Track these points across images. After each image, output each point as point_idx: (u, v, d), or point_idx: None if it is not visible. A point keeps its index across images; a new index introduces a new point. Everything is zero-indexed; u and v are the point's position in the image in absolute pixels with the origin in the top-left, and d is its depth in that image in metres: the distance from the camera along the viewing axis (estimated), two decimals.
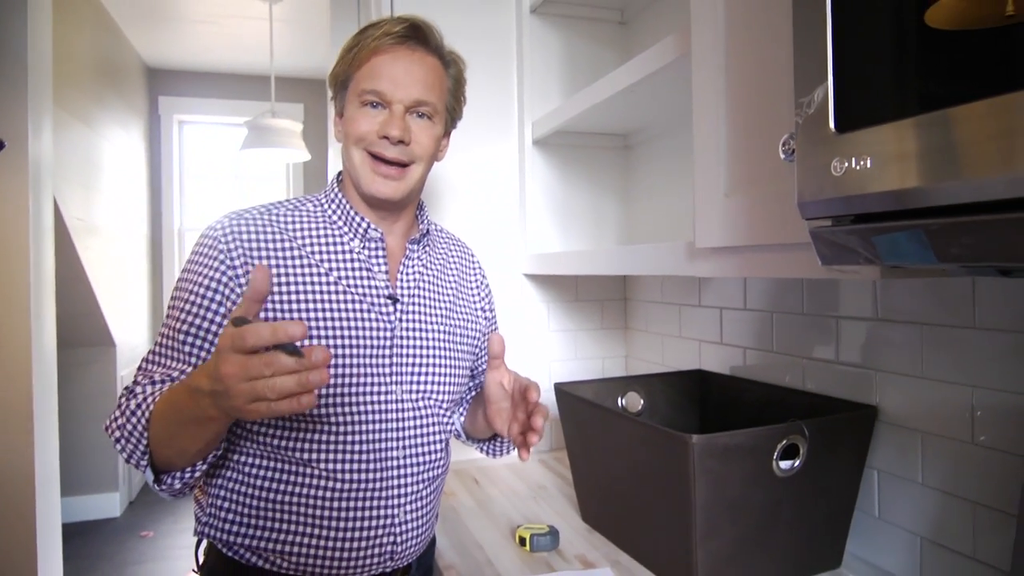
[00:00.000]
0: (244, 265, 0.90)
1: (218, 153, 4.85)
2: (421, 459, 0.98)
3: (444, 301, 1.06)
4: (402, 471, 0.96)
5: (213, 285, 0.89)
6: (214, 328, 0.88)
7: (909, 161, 0.52)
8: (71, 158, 3.00)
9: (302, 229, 0.96)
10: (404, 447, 0.96)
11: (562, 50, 1.70)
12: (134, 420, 0.83)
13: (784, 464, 0.97)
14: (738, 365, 1.40)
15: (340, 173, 1.03)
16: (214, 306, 0.88)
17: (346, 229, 0.98)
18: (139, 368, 0.92)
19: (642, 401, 1.38)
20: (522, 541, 1.16)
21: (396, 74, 0.92)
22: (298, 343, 0.66)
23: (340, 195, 1.00)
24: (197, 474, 0.86)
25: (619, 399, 1.36)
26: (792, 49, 0.64)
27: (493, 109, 1.70)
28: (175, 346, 0.89)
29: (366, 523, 0.93)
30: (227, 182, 4.86)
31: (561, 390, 1.28)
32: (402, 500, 0.96)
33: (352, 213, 0.98)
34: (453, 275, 1.11)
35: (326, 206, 1.00)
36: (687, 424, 1.42)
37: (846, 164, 0.57)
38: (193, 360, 0.89)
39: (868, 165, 0.55)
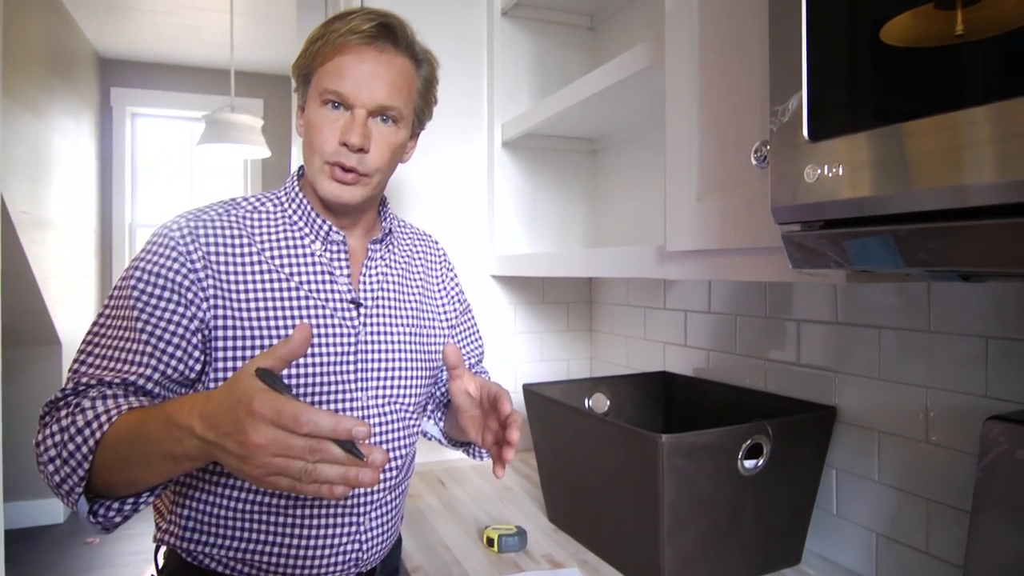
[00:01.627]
0: (205, 268, 0.85)
1: (173, 147, 4.72)
2: (388, 465, 0.97)
3: (410, 301, 1.04)
4: None
5: (175, 288, 0.83)
6: (180, 332, 0.83)
7: (879, 169, 0.54)
8: (17, 149, 2.88)
9: (263, 232, 0.92)
10: None
11: (532, 53, 1.71)
12: (79, 440, 0.73)
13: (748, 463, 0.99)
14: (701, 367, 1.43)
15: (301, 168, 0.99)
16: (180, 309, 0.83)
17: (307, 231, 0.95)
18: (79, 364, 0.82)
19: (608, 402, 1.40)
20: (490, 542, 1.16)
21: (360, 76, 0.87)
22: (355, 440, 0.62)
23: (300, 194, 0.96)
24: (141, 509, 0.78)
25: (586, 400, 1.38)
26: (766, 58, 0.66)
27: (463, 110, 1.70)
28: (134, 348, 0.81)
29: (330, 531, 0.91)
30: (182, 177, 4.73)
31: (529, 391, 1.28)
32: (367, 508, 0.94)
33: (313, 215, 0.95)
34: (419, 272, 1.09)
35: (286, 205, 0.96)
36: (652, 424, 1.44)
37: (819, 171, 0.59)
38: (154, 364, 0.81)
39: (840, 172, 0.57)
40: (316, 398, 0.90)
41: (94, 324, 0.85)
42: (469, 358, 1.19)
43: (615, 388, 1.41)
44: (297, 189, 0.97)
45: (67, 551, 3.19)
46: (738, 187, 0.84)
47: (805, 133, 0.60)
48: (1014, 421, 0.76)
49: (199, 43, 4.05)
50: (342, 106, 0.89)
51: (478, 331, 1.22)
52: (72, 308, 3.69)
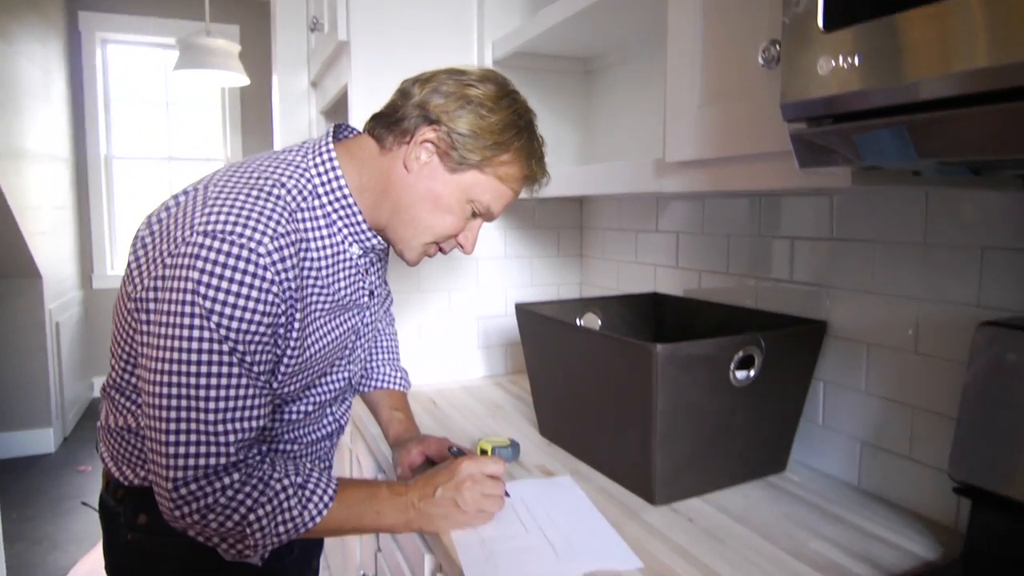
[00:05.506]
0: (297, 291, 0.82)
1: (147, 76, 4.55)
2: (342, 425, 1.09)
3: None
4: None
5: (279, 320, 0.80)
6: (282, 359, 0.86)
7: (896, 57, 0.53)
8: None
9: (316, 239, 0.87)
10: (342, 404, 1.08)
11: None
12: (292, 525, 0.81)
13: (740, 374, 1.01)
14: (692, 288, 1.44)
15: (341, 128, 0.95)
16: (279, 340, 0.82)
17: (346, 232, 0.90)
18: (214, 443, 0.76)
19: (599, 322, 1.41)
20: (483, 453, 1.18)
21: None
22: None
23: (348, 196, 0.88)
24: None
25: (577, 319, 1.39)
26: None
27: (452, 26, 1.64)
28: (259, 391, 0.80)
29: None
30: (157, 108, 4.58)
31: (522, 309, 1.29)
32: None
33: (364, 227, 0.90)
34: None
35: (324, 199, 0.87)
36: None
37: (833, 63, 0.58)
38: (274, 387, 0.86)
39: (856, 63, 0.56)
40: (322, 371, 0.95)
41: (218, 364, 0.75)
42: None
43: (606, 308, 1.42)
44: (347, 191, 0.88)
45: (59, 478, 3.23)
46: (743, 91, 0.82)
47: (820, 23, 0.58)
48: (1007, 326, 0.77)
49: None
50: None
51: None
52: (51, 240, 3.62)
